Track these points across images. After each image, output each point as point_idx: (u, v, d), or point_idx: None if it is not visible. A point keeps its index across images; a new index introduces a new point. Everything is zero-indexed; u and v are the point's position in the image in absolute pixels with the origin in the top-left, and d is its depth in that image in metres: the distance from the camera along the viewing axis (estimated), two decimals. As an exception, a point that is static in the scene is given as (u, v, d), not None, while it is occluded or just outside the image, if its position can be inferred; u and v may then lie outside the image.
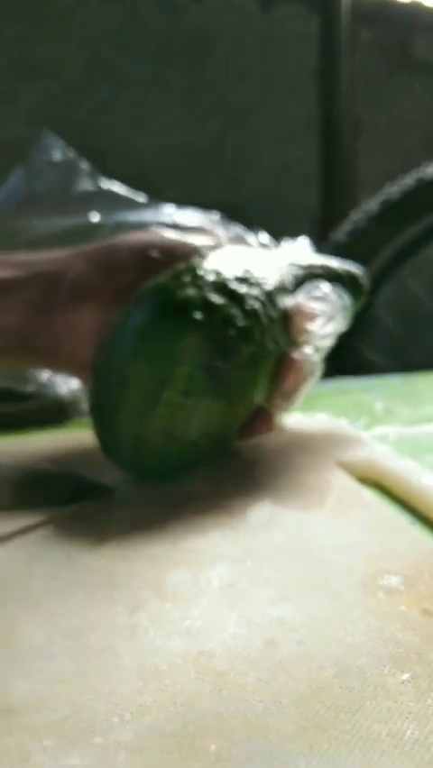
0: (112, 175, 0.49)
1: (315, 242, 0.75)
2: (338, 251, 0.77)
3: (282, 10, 1.17)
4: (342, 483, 0.28)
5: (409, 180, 0.78)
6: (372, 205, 0.79)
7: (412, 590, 0.20)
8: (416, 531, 0.24)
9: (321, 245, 0.80)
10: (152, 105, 1.11)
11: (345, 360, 0.81)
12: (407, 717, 0.14)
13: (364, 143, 1.27)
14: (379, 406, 0.47)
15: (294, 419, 0.40)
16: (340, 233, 0.78)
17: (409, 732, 0.14)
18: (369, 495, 0.27)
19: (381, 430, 0.41)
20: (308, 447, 0.34)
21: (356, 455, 0.32)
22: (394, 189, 0.78)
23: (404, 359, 0.88)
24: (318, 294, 0.35)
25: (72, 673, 0.16)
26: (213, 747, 0.14)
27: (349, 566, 0.21)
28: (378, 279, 0.78)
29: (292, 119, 1.21)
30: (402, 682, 0.15)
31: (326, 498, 0.27)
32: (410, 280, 0.88)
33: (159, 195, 0.48)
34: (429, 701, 0.15)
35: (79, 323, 0.32)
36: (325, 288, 0.36)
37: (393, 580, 0.20)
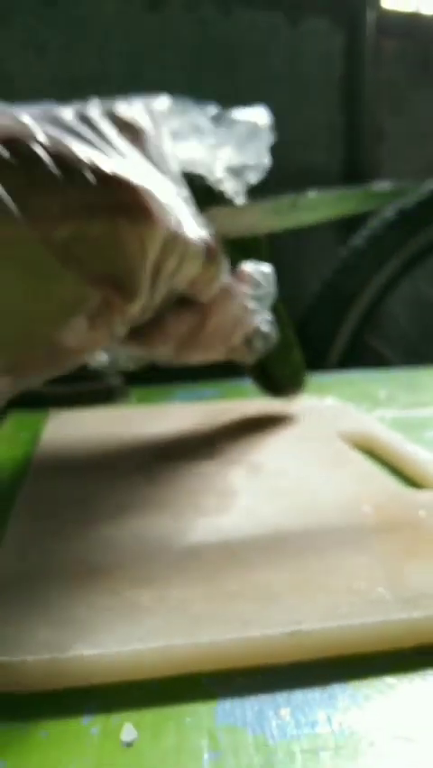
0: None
1: (337, 243, 0.81)
2: (356, 255, 0.84)
3: (309, 24, 1.24)
4: (338, 447, 0.36)
5: (422, 190, 0.85)
6: (388, 212, 0.86)
7: (379, 514, 0.27)
8: (391, 480, 0.32)
9: (342, 248, 0.87)
10: (185, 114, 1.19)
11: (361, 356, 0.88)
12: (358, 576, 0.22)
13: (387, 149, 1.33)
14: (382, 393, 0.55)
15: (306, 402, 0.47)
16: (358, 238, 0.85)
17: (358, 584, 0.21)
18: (358, 455, 0.35)
19: (380, 412, 0.48)
20: (315, 421, 0.41)
21: (353, 428, 0.39)
22: (409, 198, 0.85)
23: (417, 356, 0.94)
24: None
25: (140, 548, 0.24)
26: (233, 587, 0.21)
27: (336, 498, 0.29)
28: (393, 281, 0.84)
29: (317, 126, 1.28)
30: (361, 562, 0.23)
31: (324, 455, 0.34)
32: (423, 283, 0.94)
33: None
34: (375, 564, 0.22)
35: None
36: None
37: (366, 508, 0.28)
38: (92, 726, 0.17)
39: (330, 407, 0.45)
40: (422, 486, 0.32)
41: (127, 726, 0.17)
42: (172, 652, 0.18)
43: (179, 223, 0.25)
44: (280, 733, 0.17)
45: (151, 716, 0.17)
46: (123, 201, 0.23)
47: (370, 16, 1.29)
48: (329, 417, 0.42)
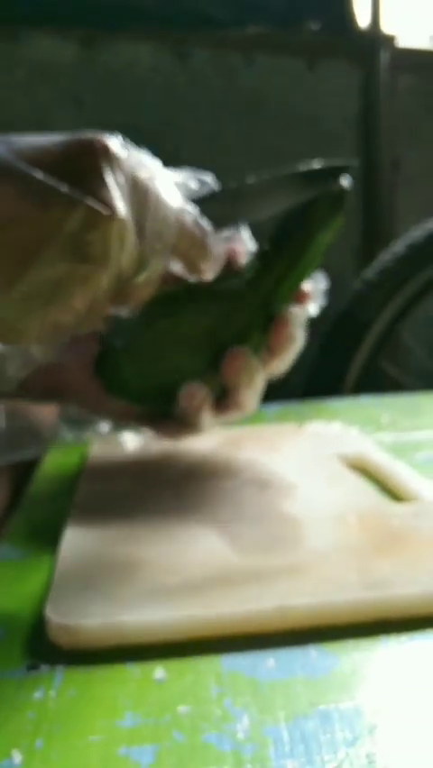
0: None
1: (351, 276, 0.86)
2: (369, 287, 0.91)
3: (327, 67, 1.31)
4: (336, 467, 0.43)
5: (431, 224, 0.91)
6: (399, 246, 0.92)
7: (360, 522, 0.34)
8: (376, 496, 0.38)
9: (355, 280, 0.94)
10: (212, 155, 1.27)
11: (380, 384, 0.94)
12: (336, 567, 0.28)
13: (402, 180, 1.40)
14: (385, 417, 0.61)
15: (317, 427, 0.54)
16: (370, 271, 0.92)
17: (335, 572, 0.28)
18: (352, 474, 0.41)
19: (380, 435, 0.54)
20: (320, 444, 0.48)
21: (351, 450, 0.46)
22: (418, 233, 0.91)
23: (430, 379, 1.00)
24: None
25: (169, 546, 0.31)
26: (239, 575, 0.28)
27: (327, 510, 0.35)
28: (403, 311, 0.90)
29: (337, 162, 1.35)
30: (339, 557, 0.30)
31: (323, 474, 0.41)
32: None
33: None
34: (350, 559, 0.29)
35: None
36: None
37: (351, 517, 0.34)
38: (133, 669, 0.24)
39: (333, 432, 0.51)
40: (403, 500, 0.38)
41: (159, 669, 0.24)
42: (191, 620, 0.25)
43: (149, 180, 0.32)
44: (267, 675, 0.24)
45: (175, 664, 0.24)
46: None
47: (384, 55, 1.36)
48: (331, 441, 0.48)
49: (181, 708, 0.22)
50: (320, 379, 0.84)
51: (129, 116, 1.19)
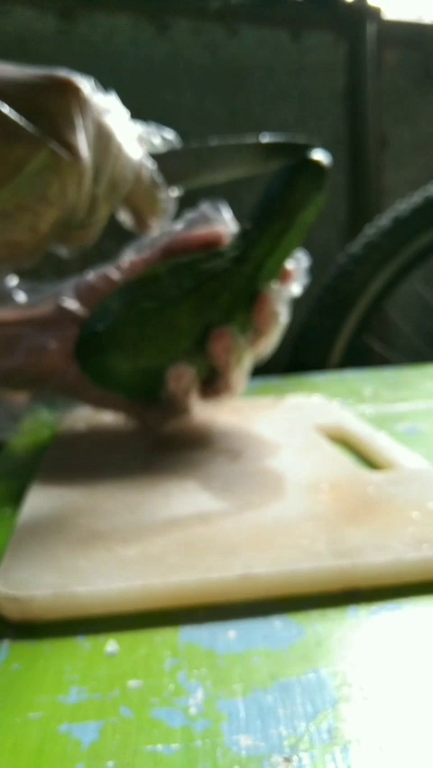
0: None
1: (336, 251, 0.83)
2: (353, 262, 0.89)
3: (312, 39, 1.28)
4: (312, 437, 0.41)
5: (416, 198, 0.89)
6: (384, 220, 0.90)
7: (333, 490, 0.32)
8: (353, 464, 0.37)
9: (340, 255, 0.92)
10: (195, 131, 1.24)
11: (367, 361, 0.92)
12: (303, 535, 0.27)
13: (390, 156, 1.37)
14: (368, 390, 0.59)
15: (296, 399, 0.52)
16: (356, 246, 0.90)
17: (302, 541, 0.26)
18: (329, 445, 0.40)
19: (362, 407, 0.53)
20: (298, 415, 0.46)
21: (330, 421, 0.44)
22: (404, 207, 0.89)
23: (420, 358, 0.98)
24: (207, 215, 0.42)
25: (132, 517, 0.29)
26: (202, 545, 0.26)
27: (299, 479, 0.34)
28: (389, 286, 0.89)
29: (323, 137, 1.32)
30: (308, 525, 0.28)
31: (298, 444, 0.39)
32: (423, 288, 0.98)
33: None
34: (319, 527, 0.27)
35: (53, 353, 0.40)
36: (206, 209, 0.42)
37: (324, 486, 0.33)
38: (84, 643, 0.22)
39: (313, 404, 0.50)
40: (381, 468, 0.37)
41: (111, 642, 0.22)
42: (148, 590, 0.24)
43: (114, 128, 0.31)
44: (225, 647, 0.22)
45: (129, 636, 0.23)
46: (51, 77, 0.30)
47: (370, 28, 1.33)
48: (310, 412, 0.47)
49: (132, 683, 0.20)
50: (304, 354, 0.82)
51: (109, 89, 1.16)
